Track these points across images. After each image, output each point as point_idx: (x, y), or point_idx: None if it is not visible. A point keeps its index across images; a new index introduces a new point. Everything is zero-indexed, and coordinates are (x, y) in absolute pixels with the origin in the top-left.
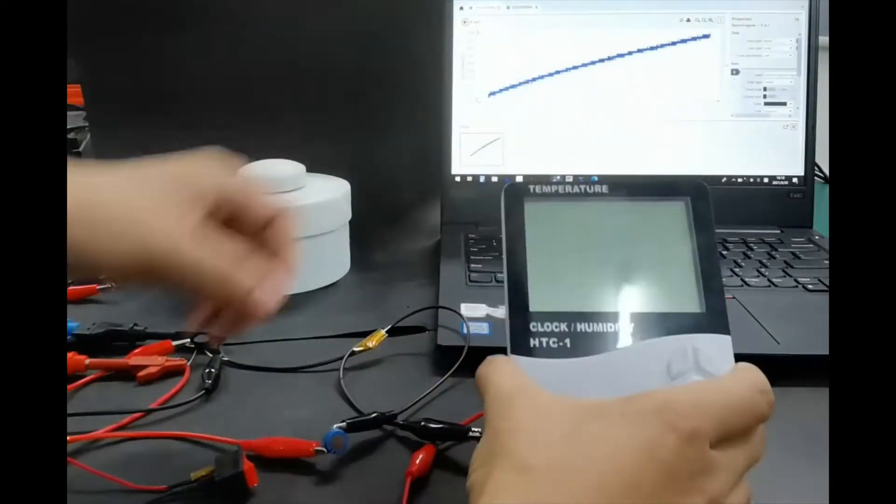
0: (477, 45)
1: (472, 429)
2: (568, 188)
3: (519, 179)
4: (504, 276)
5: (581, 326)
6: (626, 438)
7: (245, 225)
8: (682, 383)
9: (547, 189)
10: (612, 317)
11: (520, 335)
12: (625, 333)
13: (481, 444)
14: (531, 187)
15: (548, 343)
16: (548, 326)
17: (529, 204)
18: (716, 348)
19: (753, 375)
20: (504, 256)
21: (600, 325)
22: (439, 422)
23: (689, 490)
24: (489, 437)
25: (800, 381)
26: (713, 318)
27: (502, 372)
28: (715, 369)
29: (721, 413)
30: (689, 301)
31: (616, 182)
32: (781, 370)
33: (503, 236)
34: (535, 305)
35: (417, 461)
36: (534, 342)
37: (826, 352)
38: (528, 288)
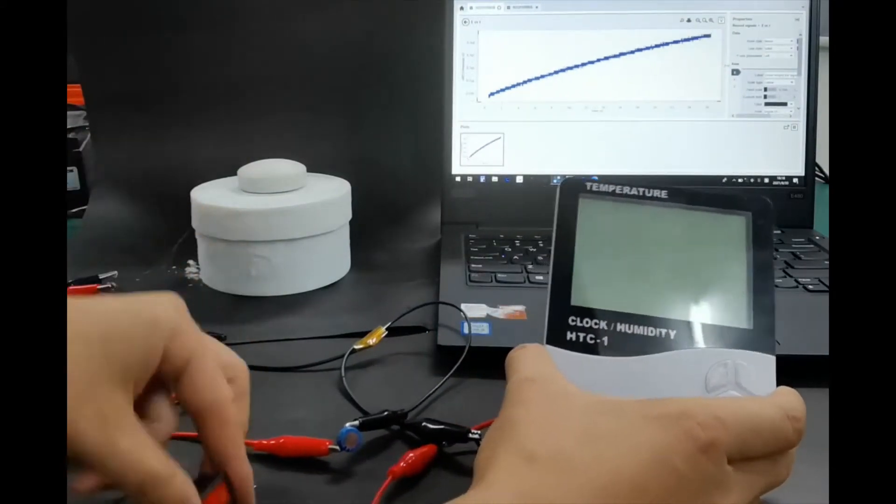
0: (477, 45)
1: (472, 431)
2: (626, 189)
3: (519, 180)
4: (549, 267)
5: (621, 327)
6: (639, 440)
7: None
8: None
9: (604, 188)
10: (655, 321)
11: (557, 327)
12: (666, 340)
13: (493, 427)
14: (588, 184)
15: (585, 338)
16: (587, 322)
17: (584, 200)
18: (758, 367)
19: (787, 400)
20: (552, 249)
21: (641, 328)
22: (439, 422)
23: (700, 502)
24: (501, 420)
25: (800, 381)
26: (759, 337)
27: (530, 357)
28: (754, 388)
29: (743, 431)
30: (737, 316)
31: (676, 189)
32: (781, 370)
33: (554, 229)
34: (576, 300)
35: (405, 461)
36: (570, 335)
37: (826, 352)
38: (572, 282)
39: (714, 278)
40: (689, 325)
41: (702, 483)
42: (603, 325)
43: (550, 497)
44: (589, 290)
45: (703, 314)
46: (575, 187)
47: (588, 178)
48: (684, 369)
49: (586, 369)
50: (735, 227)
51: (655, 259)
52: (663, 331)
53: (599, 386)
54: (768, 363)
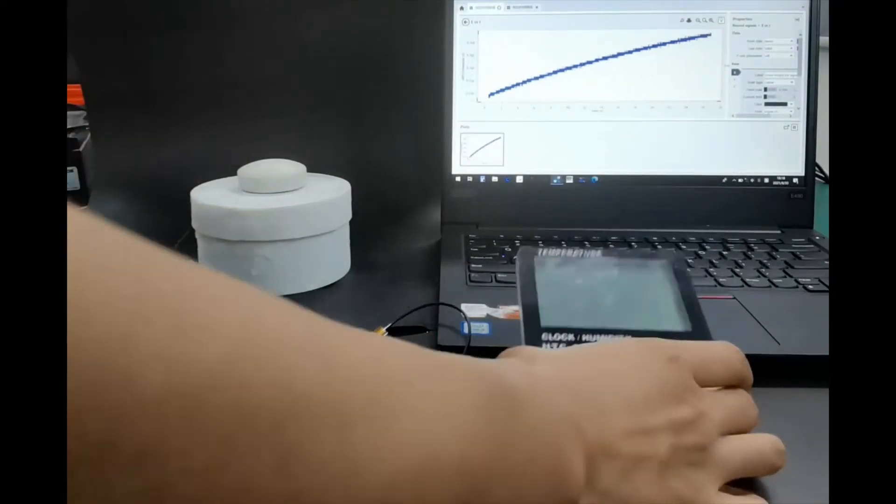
0: (477, 45)
1: None
2: (568, 252)
3: (519, 180)
4: (519, 307)
5: (587, 337)
6: (619, 354)
7: None
8: None
9: (552, 253)
10: (614, 331)
11: (533, 344)
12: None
13: None
14: (539, 251)
15: (559, 347)
16: (558, 336)
17: (538, 263)
18: None
19: (730, 344)
20: (519, 294)
21: (603, 336)
22: None
23: (679, 401)
24: None
25: (800, 381)
26: (700, 335)
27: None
28: None
29: (699, 356)
30: (678, 323)
31: (608, 250)
32: (781, 370)
33: (517, 280)
34: (545, 322)
35: None
36: (546, 348)
37: (826, 352)
38: (540, 313)
39: (652, 302)
40: (641, 332)
41: (676, 386)
42: (571, 336)
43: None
44: (555, 316)
45: (650, 323)
46: (529, 254)
47: (541, 246)
48: None
49: None
50: (660, 268)
51: (603, 295)
52: (620, 336)
53: None
54: None
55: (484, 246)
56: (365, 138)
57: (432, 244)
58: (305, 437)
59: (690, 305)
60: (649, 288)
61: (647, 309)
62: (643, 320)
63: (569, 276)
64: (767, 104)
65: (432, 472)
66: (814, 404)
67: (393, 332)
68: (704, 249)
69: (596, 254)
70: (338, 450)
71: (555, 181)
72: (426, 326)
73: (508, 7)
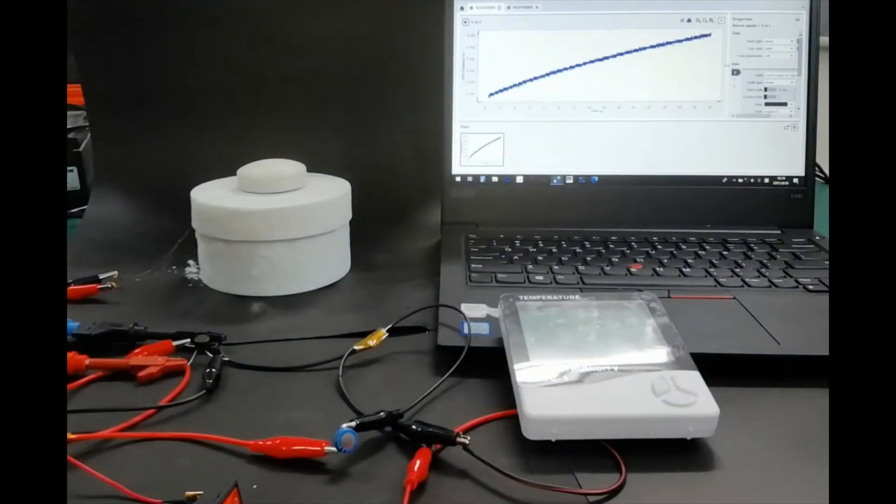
0: (477, 44)
1: (459, 435)
2: (549, 297)
3: (519, 180)
4: (506, 348)
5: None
6: None
7: None
8: (667, 399)
9: (533, 298)
10: (602, 362)
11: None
12: (614, 371)
13: None
14: (521, 297)
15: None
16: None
17: (520, 307)
18: (688, 377)
19: None
20: (505, 337)
21: (593, 367)
22: (427, 425)
23: None
24: None
25: (800, 382)
26: (681, 361)
27: None
28: (691, 388)
29: None
30: (659, 355)
31: (586, 293)
32: (781, 370)
33: (502, 324)
34: (534, 360)
35: (416, 468)
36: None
37: (826, 352)
38: (528, 350)
39: (634, 336)
40: (627, 364)
41: None
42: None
43: None
44: (544, 353)
45: (634, 357)
46: (512, 300)
47: (521, 292)
48: (634, 386)
49: (572, 394)
50: (638, 306)
51: (587, 330)
52: (610, 367)
53: (577, 405)
54: (695, 375)
55: (484, 246)
56: (365, 138)
57: (432, 244)
58: None
59: (669, 336)
60: (630, 323)
61: (632, 340)
62: (629, 353)
63: (552, 318)
64: (767, 104)
65: None
66: (814, 404)
67: (393, 332)
68: (704, 249)
69: (576, 297)
70: None
71: (555, 181)
72: (426, 327)
73: (508, 7)
